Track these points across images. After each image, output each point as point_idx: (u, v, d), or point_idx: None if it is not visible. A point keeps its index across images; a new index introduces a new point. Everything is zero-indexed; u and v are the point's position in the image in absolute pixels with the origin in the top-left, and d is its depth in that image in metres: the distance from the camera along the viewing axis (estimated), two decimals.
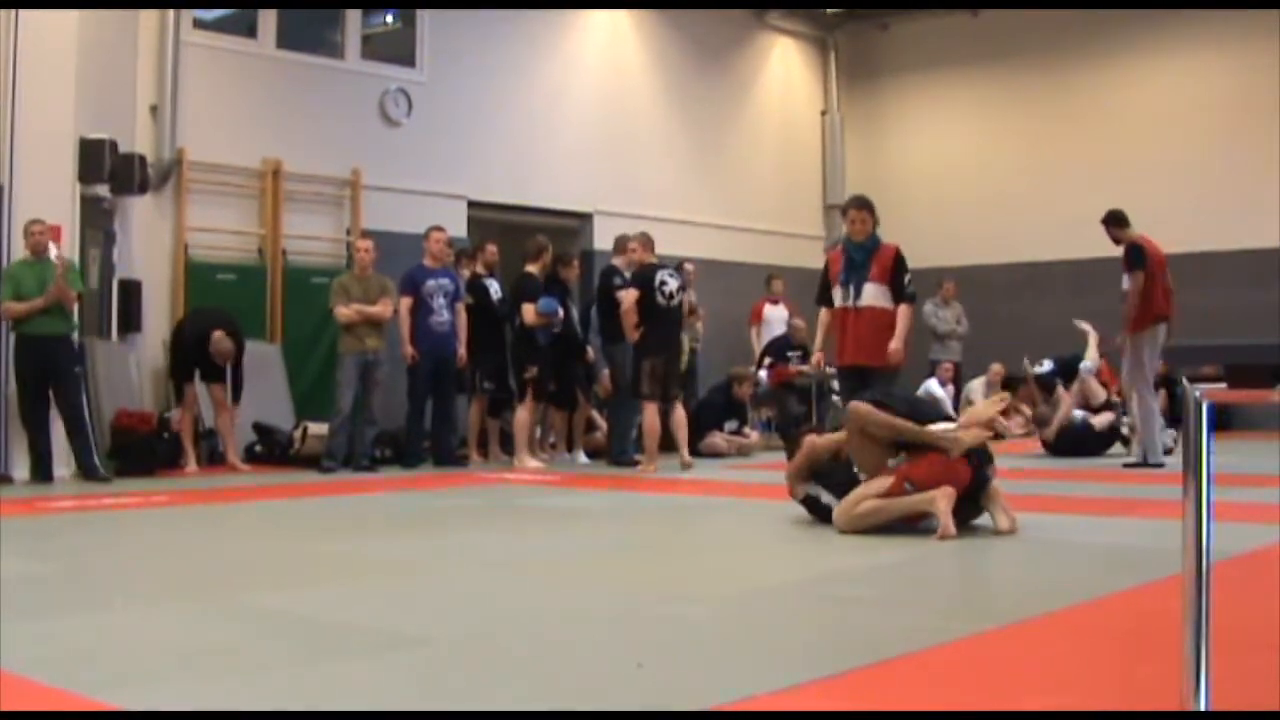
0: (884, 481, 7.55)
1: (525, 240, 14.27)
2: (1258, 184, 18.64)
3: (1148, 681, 3.86)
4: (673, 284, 12.84)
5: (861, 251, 9.77)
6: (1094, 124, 20.70)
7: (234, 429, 12.95)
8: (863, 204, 9.91)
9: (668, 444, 13.18)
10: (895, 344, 9.68)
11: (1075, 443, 14.34)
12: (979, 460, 7.70)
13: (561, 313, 13.58)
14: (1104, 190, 19.83)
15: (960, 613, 5.21)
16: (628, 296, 12.70)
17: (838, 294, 9.84)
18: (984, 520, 7.68)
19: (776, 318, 18.00)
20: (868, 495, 7.53)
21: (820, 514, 7.89)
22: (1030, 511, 8.18)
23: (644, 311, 12.64)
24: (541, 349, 13.53)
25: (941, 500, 7.25)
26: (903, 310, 9.77)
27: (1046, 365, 15.58)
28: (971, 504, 7.61)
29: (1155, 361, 12.52)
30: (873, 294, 9.69)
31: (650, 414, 12.77)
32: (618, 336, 13.31)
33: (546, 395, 13.78)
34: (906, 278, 9.80)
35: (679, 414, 13.04)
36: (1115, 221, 12.87)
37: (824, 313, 10.01)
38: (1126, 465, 12.58)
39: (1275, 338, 3.05)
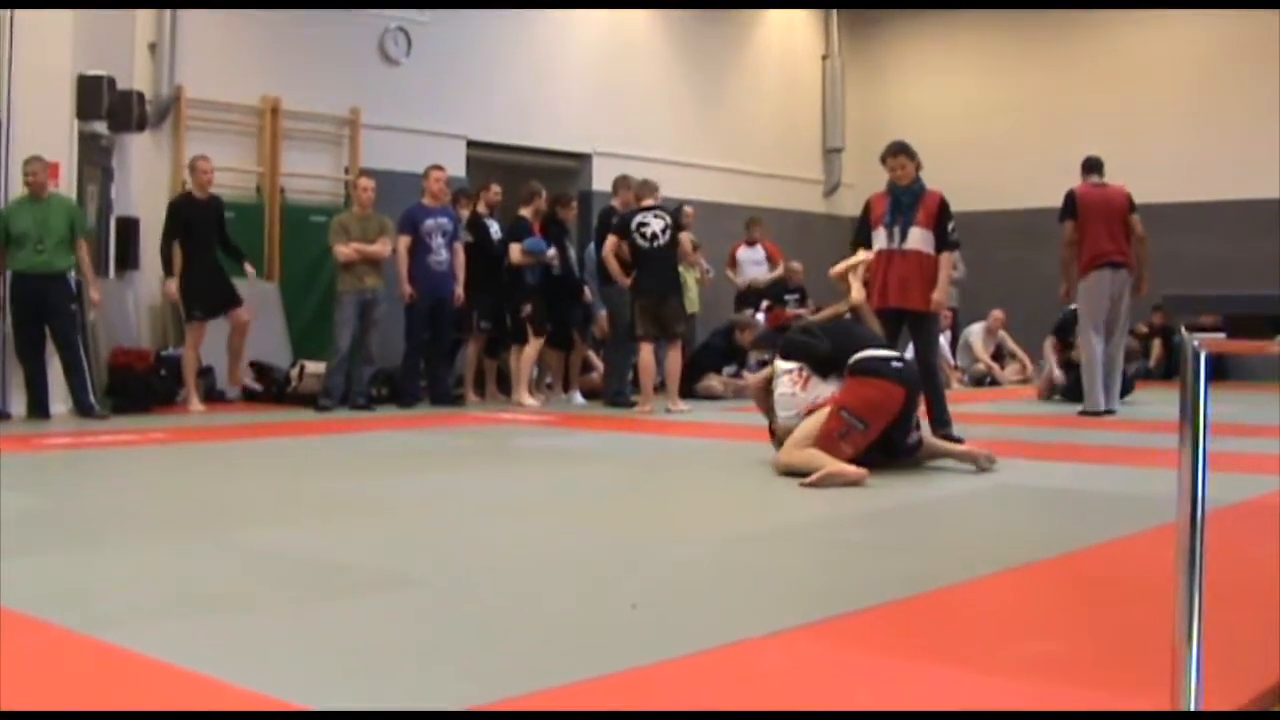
0: (822, 414, 7.70)
1: (524, 180, 14.30)
2: (1258, 134, 18.60)
3: (1139, 629, 3.87)
4: (655, 225, 12.87)
5: (909, 195, 9.69)
6: (1095, 71, 20.65)
7: (243, 354, 12.90)
8: (901, 149, 9.82)
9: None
10: (938, 295, 9.64)
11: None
12: (911, 380, 8.06)
13: (551, 252, 13.58)
14: (1104, 138, 19.78)
15: (954, 559, 5.21)
16: (607, 244, 12.89)
17: (880, 236, 9.74)
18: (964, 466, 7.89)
19: (749, 260, 17.78)
20: (808, 433, 7.65)
21: None
22: (1028, 459, 8.19)
23: (633, 255, 12.82)
24: (532, 287, 13.55)
25: (833, 468, 7.30)
26: (945, 258, 9.70)
27: None
28: (903, 425, 7.91)
29: (1103, 305, 12.48)
30: (918, 238, 9.61)
31: (645, 354, 12.84)
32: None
33: (546, 330, 13.75)
34: (950, 225, 9.73)
35: (673, 357, 13.02)
36: (1082, 168, 12.93)
37: (861, 254, 9.96)
38: (1080, 413, 12.68)
39: (1275, 288, 3.05)
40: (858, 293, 9.23)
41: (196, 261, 12.46)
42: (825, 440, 7.55)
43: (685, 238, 12.99)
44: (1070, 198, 12.66)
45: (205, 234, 12.50)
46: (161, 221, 13.01)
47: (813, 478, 7.17)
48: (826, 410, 7.71)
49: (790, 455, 7.64)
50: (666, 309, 12.86)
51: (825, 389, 7.95)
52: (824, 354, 8.13)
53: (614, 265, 12.94)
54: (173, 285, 12.48)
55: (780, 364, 8.40)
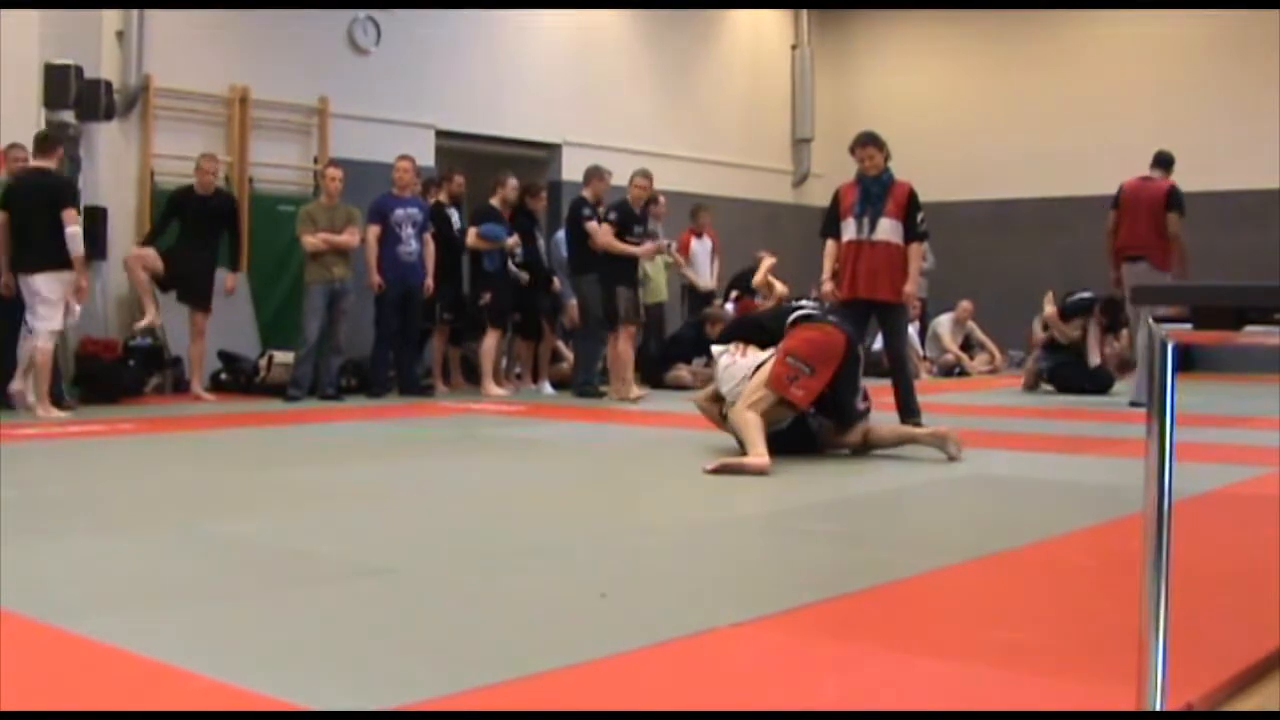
0: (769, 366, 7.85)
1: (493, 170, 14.27)
2: (1227, 127, 18.67)
3: (1107, 618, 3.89)
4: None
5: (878, 185, 9.70)
6: (1063, 62, 20.69)
7: (204, 359, 12.88)
8: (870, 140, 9.82)
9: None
10: (909, 286, 9.69)
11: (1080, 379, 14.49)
12: (849, 331, 8.26)
13: (512, 240, 13.54)
14: (1072, 128, 19.94)
15: (922, 548, 5.23)
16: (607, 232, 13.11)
17: (849, 226, 9.75)
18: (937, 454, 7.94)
19: (702, 251, 17.52)
20: (758, 384, 7.79)
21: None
22: (997, 449, 8.21)
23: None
24: (491, 275, 13.53)
25: (754, 457, 7.35)
26: (914, 249, 9.73)
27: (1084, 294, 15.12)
28: (850, 382, 8.05)
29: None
30: (887, 229, 9.62)
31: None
32: (584, 268, 13.34)
33: (504, 322, 13.74)
34: (919, 216, 9.74)
35: (618, 346, 13.26)
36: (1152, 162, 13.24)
37: (830, 244, 9.97)
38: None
39: (1241, 279, 3.06)
40: (782, 287, 9.49)
41: (179, 252, 12.44)
42: (776, 384, 7.70)
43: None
44: (1119, 189, 12.97)
45: (198, 228, 12.50)
46: (128, 211, 13.06)
47: (713, 465, 7.28)
48: (771, 361, 7.86)
49: (736, 414, 7.74)
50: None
51: (766, 356, 8.07)
52: (758, 320, 8.58)
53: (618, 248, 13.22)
54: (233, 278, 12.85)
55: (716, 349, 8.63)
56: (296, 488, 6.92)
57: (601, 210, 13.36)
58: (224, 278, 12.83)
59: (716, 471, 7.21)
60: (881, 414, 8.91)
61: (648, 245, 13.30)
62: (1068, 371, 14.58)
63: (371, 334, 13.44)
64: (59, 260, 10.58)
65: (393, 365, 13.58)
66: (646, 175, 13.41)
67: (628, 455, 8.94)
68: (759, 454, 7.32)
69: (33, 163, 11.01)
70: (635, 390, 13.14)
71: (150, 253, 12.31)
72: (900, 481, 7.31)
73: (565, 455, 8.89)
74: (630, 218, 13.22)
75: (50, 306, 10.62)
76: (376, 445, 9.49)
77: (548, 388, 14.31)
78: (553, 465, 8.23)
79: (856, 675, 3.37)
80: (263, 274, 14.50)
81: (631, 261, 13.27)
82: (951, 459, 7.90)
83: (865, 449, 8.25)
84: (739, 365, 8.14)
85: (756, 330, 8.44)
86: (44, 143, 11.05)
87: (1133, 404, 12.23)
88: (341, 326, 12.99)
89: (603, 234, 13.06)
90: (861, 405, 8.19)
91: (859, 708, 3.09)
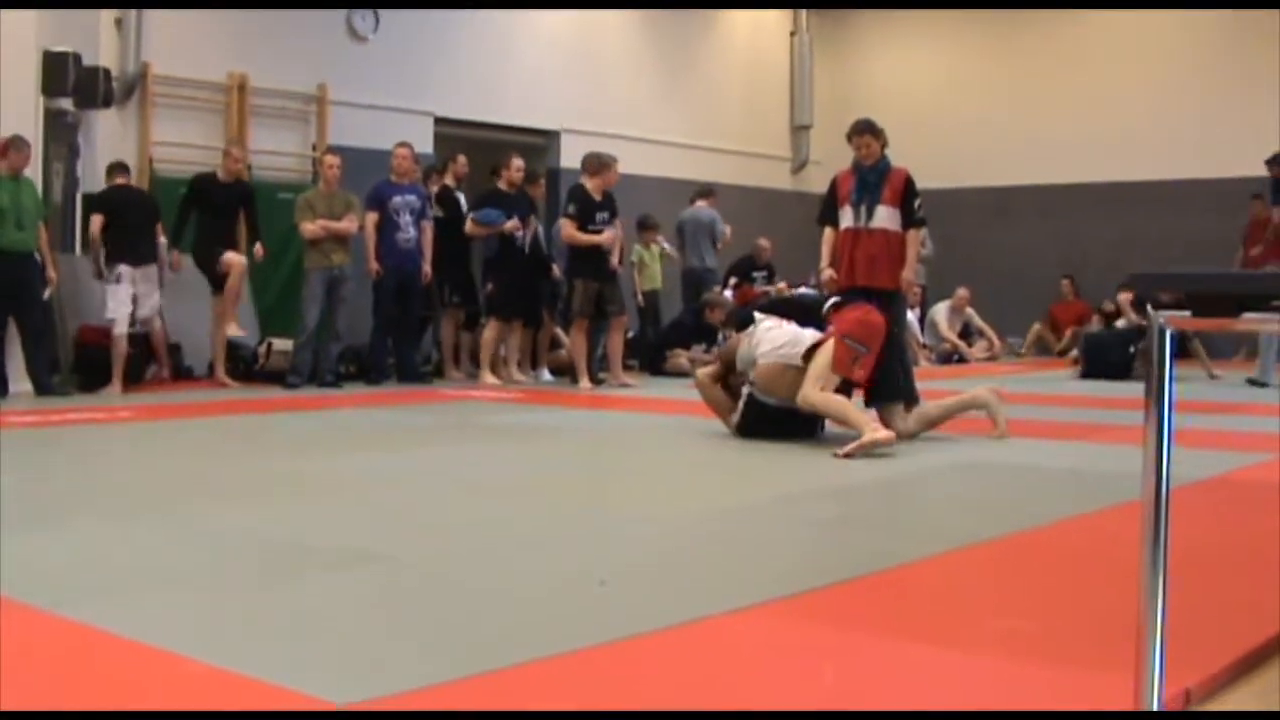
0: (827, 350, 8.11)
1: (491, 157, 14.24)
2: (1225, 114, 18.66)
3: (1107, 604, 3.89)
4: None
5: (874, 174, 9.68)
6: (1065, 49, 20.66)
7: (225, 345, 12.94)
8: (866, 128, 9.79)
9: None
10: (907, 273, 9.69)
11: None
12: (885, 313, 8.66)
13: (510, 223, 13.44)
14: (1073, 116, 19.92)
15: (922, 534, 5.24)
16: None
17: (846, 214, 9.73)
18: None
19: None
20: (823, 366, 8.06)
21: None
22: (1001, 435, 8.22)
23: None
24: (493, 262, 13.53)
25: (872, 431, 7.66)
26: (911, 235, 9.71)
27: None
28: (891, 360, 8.50)
29: None
30: (885, 216, 9.60)
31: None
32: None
33: (507, 312, 13.64)
34: (916, 202, 9.72)
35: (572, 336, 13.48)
36: (1270, 162, 13.98)
37: (829, 232, 9.95)
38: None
39: (1239, 266, 3.06)
40: None
41: (205, 239, 12.62)
42: (841, 368, 8.02)
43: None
44: (1276, 184, 13.94)
45: (220, 216, 12.71)
46: None
47: (849, 448, 7.48)
48: (830, 345, 8.10)
49: (816, 396, 7.97)
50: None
51: (806, 332, 8.36)
52: (795, 302, 9.05)
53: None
54: (178, 256, 12.68)
55: (759, 315, 8.85)
56: (295, 475, 6.92)
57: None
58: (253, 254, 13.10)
59: (849, 455, 7.44)
60: None
61: (607, 233, 13.12)
62: (1104, 360, 14.78)
63: (370, 321, 13.43)
64: (154, 256, 12.36)
65: (392, 352, 13.58)
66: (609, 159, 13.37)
67: (626, 442, 8.94)
68: (875, 427, 7.71)
69: (118, 181, 12.33)
70: (588, 382, 13.19)
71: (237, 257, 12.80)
72: (901, 468, 7.31)
73: (563, 442, 8.89)
74: (590, 206, 13.08)
75: (151, 292, 12.24)
76: (375, 432, 9.48)
77: (546, 375, 14.29)
78: (551, 452, 8.24)
79: (855, 662, 3.37)
80: (261, 261, 14.49)
81: (593, 252, 13.10)
82: (994, 421, 8.37)
83: (915, 433, 8.52)
84: (784, 329, 8.47)
85: (795, 310, 8.82)
86: (120, 167, 12.47)
87: (1250, 381, 13.46)
88: (340, 313, 12.99)
89: (565, 227, 13.06)
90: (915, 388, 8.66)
91: (857, 695, 3.10)
